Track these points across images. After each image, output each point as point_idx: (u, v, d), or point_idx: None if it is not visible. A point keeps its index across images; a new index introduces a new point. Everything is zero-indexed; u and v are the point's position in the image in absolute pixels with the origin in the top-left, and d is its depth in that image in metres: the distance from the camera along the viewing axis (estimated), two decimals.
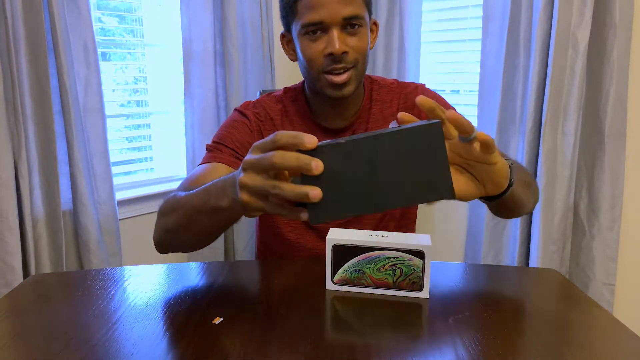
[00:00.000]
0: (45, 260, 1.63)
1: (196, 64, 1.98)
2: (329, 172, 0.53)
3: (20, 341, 0.64)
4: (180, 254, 2.09)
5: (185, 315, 0.71)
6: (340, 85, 0.92)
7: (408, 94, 1.05)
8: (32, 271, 1.58)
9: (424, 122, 0.55)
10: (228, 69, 2.02)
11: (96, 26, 1.74)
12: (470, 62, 2.03)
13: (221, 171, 0.93)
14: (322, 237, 1.03)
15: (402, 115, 0.61)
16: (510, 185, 0.71)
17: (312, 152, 0.53)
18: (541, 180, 1.71)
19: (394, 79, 1.09)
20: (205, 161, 0.97)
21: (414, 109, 1.03)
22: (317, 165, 0.52)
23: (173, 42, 2.06)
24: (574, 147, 1.69)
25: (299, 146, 0.53)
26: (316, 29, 0.90)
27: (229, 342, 0.64)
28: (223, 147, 0.98)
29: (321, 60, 0.91)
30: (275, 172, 0.56)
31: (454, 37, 2.09)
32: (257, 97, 1.35)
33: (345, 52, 0.89)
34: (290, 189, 0.54)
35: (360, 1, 0.91)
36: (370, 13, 0.96)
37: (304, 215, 0.56)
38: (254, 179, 0.57)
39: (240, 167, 0.59)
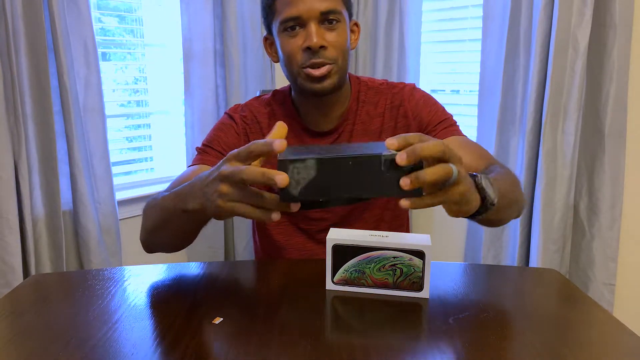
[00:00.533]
0: (45, 260, 1.63)
1: (196, 63, 1.98)
2: (295, 181, 0.57)
3: (20, 341, 0.64)
4: (180, 253, 2.09)
5: (185, 315, 0.71)
6: (320, 79, 0.92)
7: (395, 94, 1.04)
8: (32, 271, 1.58)
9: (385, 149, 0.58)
10: (228, 68, 2.02)
11: (96, 26, 1.74)
12: (470, 62, 2.03)
13: None
14: (312, 238, 1.04)
15: (388, 142, 0.59)
16: (484, 204, 0.68)
17: (281, 164, 0.56)
18: (541, 180, 1.71)
19: (384, 80, 1.08)
20: (193, 163, 1.00)
21: (399, 108, 1.02)
22: (281, 179, 0.55)
23: (173, 42, 2.06)
24: (574, 147, 1.69)
25: (271, 153, 0.57)
26: (294, 25, 0.91)
27: (228, 342, 0.64)
28: (210, 150, 1.01)
29: (300, 56, 0.92)
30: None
31: (454, 37, 2.09)
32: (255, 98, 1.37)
33: (323, 47, 0.90)
34: (270, 202, 0.59)
35: None
36: (350, 13, 0.98)
37: (275, 216, 0.60)
38: (230, 190, 0.60)
39: (215, 174, 0.62)
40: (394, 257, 0.75)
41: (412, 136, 0.57)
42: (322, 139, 1.03)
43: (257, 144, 0.59)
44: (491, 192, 0.68)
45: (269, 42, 1.01)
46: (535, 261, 1.76)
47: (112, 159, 1.79)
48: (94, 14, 1.79)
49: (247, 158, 0.60)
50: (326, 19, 0.91)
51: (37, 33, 1.51)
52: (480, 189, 0.67)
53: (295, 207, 0.59)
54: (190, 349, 0.62)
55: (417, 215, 2.12)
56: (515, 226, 1.83)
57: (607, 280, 1.72)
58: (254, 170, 0.57)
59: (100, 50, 1.77)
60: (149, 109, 2.08)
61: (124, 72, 2.02)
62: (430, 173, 0.55)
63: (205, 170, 0.94)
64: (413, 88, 1.05)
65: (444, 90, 2.17)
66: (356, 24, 1.02)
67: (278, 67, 2.29)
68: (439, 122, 1.00)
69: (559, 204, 1.72)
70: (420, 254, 0.74)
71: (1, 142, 1.47)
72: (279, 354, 0.61)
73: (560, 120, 1.70)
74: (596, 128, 1.68)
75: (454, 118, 1.03)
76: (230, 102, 2.04)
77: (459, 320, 0.70)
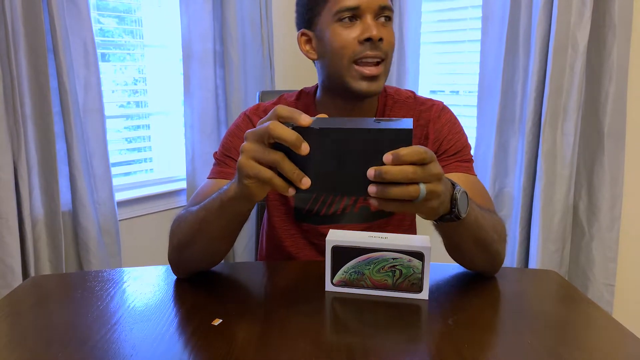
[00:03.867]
0: (44, 261, 1.63)
1: (196, 64, 1.98)
2: (313, 152, 0.59)
3: (20, 342, 0.64)
4: None
5: (184, 316, 0.71)
6: (371, 78, 0.88)
7: (422, 112, 1.00)
8: (32, 272, 1.58)
9: (397, 125, 0.59)
10: (228, 69, 2.02)
11: (95, 27, 1.73)
12: (470, 63, 2.03)
13: None
14: (321, 252, 1.02)
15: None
16: (451, 212, 0.68)
17: (303, 131, 0.58)
18: (541, 180, 1.71)
19: (410, 92, 1.04)
20: (212, 175, 0.96)
21: (424, 128, 0.99)
22: (305, 148, 0.58)
23: (173, 42, 2.06)
24: (574, 147, 1.69)
25: (295, 122, 0.59)
26: (351, 15, 0.87)
27: (228, 343, 0.64)
28: (230, 161, 0.96)
29: (355, 47, 0.87)
30: (271, 142, 0.61)
31: (454, 37, 2.09)
32: (258, 99, 1.35)
33: (381, 39, 0.87)
34: (290, 167, 0.60)
35: None
36: None
37: (292, 191, 0.62)
38: (253, 146, 0.62)
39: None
40: (394, 259, 0.75)
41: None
42: None
43: (283, 108, 0.60)
44: (462, 207, 0.68)
45: (305, 38, 0.96)
46: (534, 261, 1.76)
47: (112, 159, 1.79)
48: (94, 14, 1.79)
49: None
50: (382, 14, 0.89)
51: (37, 34, 1.51)
52: (452, 200, 0.67)
53: (306, 182, 0.60)
54: (190, 350, 0.62)
55: (417, 216, 2.12)
56: (514, 226, 1.83)
57: (606, 280, 1.72)
58: (285, 128, 0.59)
59: (99, 51, 1.76)
60: (149, 109, 2.08)
61: (124, 73, 2.02)
62: (394, 192, 0.58)
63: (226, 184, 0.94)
64: (442, 109, 1.01)
65: (443, 91, 2.17)
66: None
67: (278, 67, 2.28)
68: (455, 153, 0.98)
69: (559, 204, 1.73)
70: (419, 255, 0.74)
71: (0, 143, 1.47)
72: (278, 354, 0.61)
73: (559, 120, 1.70)
74: (595, 128, 1.68)
75: (471, 152, 1.01)
76: (230, 103, 2.04)
77: (458, 322, 0.70)
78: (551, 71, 1.65)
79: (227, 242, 0.82)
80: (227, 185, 0.72)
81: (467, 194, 0.70)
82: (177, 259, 0.84)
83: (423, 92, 2.17)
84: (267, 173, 0.61)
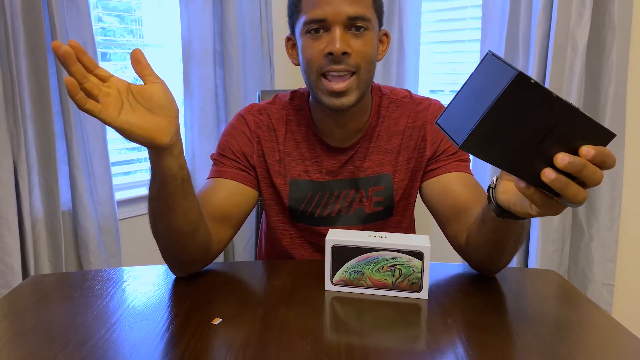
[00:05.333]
0: (44, 260, 1.63)
1: (196, 64, 1.98)
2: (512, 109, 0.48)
3: (19, 342, 0.64)
4: None
5: (184, 315, 0.71)
6: (339, 94, 0.86)
7: (419, 113, 0.98)
8: (32, 272, 1.58)
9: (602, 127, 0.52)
10: (227, 69, 2.02)
11: (96, 26, 1.73)
12: (470, 63, 2.03)
13: (226, 187, 0.94)
14: (318, 250, 1.03)
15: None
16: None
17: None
18: None
19: (406, 92, 1.02)
20: (211, 175, 0.97)
21: (421, 129, 0.98)
22: None
23: (172, 42, 2.06)
24: None
25: None
26: (319, 27, 0.85)
27: (228, 342, 0.64)
28: (226, 160, 0.96)
29: (320, 61, 0.85)
30: None
31: (454, 37, 2.10)
32: (258, 99, 1.35)
33: (346, 53, 0.84)
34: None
35: (369, 3, 0.87)
36: (380, 22, 0.92)
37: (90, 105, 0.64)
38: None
39: None
40: (393, 258, 0.75)
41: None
42: (336, 155, 0.97)
43: None
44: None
45: (291, 43, 0.95)
46: (534, 261, 1.76)
47: (112, 159, 1.79)
48: (94, 14, 1.79)
49: None
50: (353, 24, 0.84)
51: (37, 33, 1.51)
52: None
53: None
54: (190, 350, 0.62)
55: (416, 216, 2.12)
56: None
57: (606, 280, 1.72)
58: None
59: (100, 51, 1.76)
60: None
61: (124, 72, 2.02)
62: (572, 190, 0.51)
63: (225, 184, 0.93)
64: (439, 109, 1.00)
65: (443, 91, 2.17)
66: (386, 34, 0.95)
67: (277, 67, 2.28)
68: (453, 153, 0.97)
69: None
70: (419, 255, 0.74)
71: (0, 143, 1.47)
72: (278, 354, 0.61)
73: None
74: None
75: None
76: (230, 103, 2.04)
77: (458, 321, 0.70)
78: (551, 71, 1.65)
79: (184, 218, 0.77)
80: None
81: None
82: (163, 255, 0.84)
83: (423, 91, 2.17)
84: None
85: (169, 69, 2.10)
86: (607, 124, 1.64)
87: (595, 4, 1.61)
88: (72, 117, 1.61)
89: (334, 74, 0.86)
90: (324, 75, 0.87)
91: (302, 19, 0.87)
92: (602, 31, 1.62)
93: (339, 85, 0.86)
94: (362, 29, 0.86)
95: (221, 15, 1.98)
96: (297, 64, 0.94)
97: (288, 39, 0.96)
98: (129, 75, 2.03)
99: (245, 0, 2.03)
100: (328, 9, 0.83)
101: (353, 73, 0.86)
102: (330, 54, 0.84)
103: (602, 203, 1.69)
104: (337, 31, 0.84)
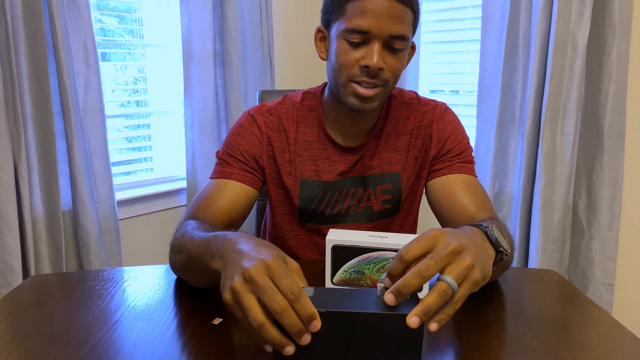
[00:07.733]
0: (44, 260, 1.63)
1: (196, 64, 1.98)
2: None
3: (20, 341, 0.64)
4: None
5: (184, 315, 0.71)
6: (365, 99, 0.88)
7: (426, 113, 1.01)
8: (32, 271, 1.58)
9: (405, 308, 0.54)
10: (228, 69, 2.02)
11: (96, 26, 1.74)
12: (470, 63, 2.03)
13: (232, 189, 0.93)
14: (323, 253, 1.03)
15: (387, 281, 0.57)
16: (498, 256, 0.65)
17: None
18: (540, 180, 1.71)
19: (413, 93, 1.05)
20: (215, 175, 0.96)
21: (427, 129, 1.00)
22: (305, 339, 0.51)
23: (173, 42, 2.06)
24: (573, 147, 1.69)
25: (305, 323, 0.51)
26: (359, 37, 0.85)
27: (228, 342, 0.64)
28: (232, 160, 0.96)
29: (354, 69, 0.87)
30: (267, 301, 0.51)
31: (454, 37, 2.10)
32: (258, 99, 1.35)
33: (381, 69, 0.86)
34: (273, 335, 0.51)
35: (410, 22, 0.88)
36: (413, 36, 0.93)
37: (268, 348, 0.53)
38: (249, 297, 0.51)
39: (247, 264, 0.53)
40: (393, 258, 0.75)
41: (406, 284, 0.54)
42: (347, 155, 0.99)
43: (304, 304, 0.51)
44: (504, 243, 0.66)
45: (321, 35, 0.95)
46: (534, 261, 1.76)
47: (112, 159, 1.79)
48: (94, 14, 1.79)
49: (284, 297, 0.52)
50: (393, 44, 0.86)
51: (37, 33, 1.51)
52: (494, 243, 0.64)
53: (290, 350, 0.52)
54: (190, 349, 0.62)
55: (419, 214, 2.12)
56: (514, 226, 1.83)
57: (606, 280, 1.72)
58: (292, 315, 0.51)
59: (100, 51, 1.77)
60: (149, 109, 2.08)
61: (124, 73, 2.02)
62: (430, 305, 0.54)
63: (231, 186, 0.93)
64: (444, 110, 1.02)
65: (443, 91, 2.17)
66: (412, 47, 0.96)
67: (278, 67, 2.29)
68: (459, 153, 0.99)
69: (558, 204, 1.73)
70: None
71: (1, 142, 1.47)
72: None
73: (559, 120, 1.70)
74: (595, 128, 1.68)
75: (472, 154, 1.02)
76: (230, 102, 2.04)
77: (458, 321, 0.70)
78: (551, 71, 1.65)
79: (208, 280, 0.74)
80: (213, 254, 0.63)
81: (494, 226, 0.67)
82: (175, 271, 0.83)
83: (423, 91, 2.17)
84: (260, 317, 0.51)
85: (169, 69, 2.10)
86: (607, 123, 1.64)
87: (596, 4, 1.61)
88: (72, 117, 1.61)
89: (365, 84, 0.88)
90: (352, 80, 0.88)
91: (344, 23, 0.87)
92: (602, 31, 1.62)
93: (367, 92, 0.88)
94: (398, 50, 0.87)
95: (221, 15, 1.98)
96: (325, 59, 0.95)
97: (318, 31, 0.95)
98: (128, 75, 2.03)
99: (246, 0, 2.03)
100: (373, 23, 0.84)
101: (382, 85, 0.89)
102: (367, 67, 0.86)
103: (602, 202, 1.69)
104: (377, 46, 0.85)
